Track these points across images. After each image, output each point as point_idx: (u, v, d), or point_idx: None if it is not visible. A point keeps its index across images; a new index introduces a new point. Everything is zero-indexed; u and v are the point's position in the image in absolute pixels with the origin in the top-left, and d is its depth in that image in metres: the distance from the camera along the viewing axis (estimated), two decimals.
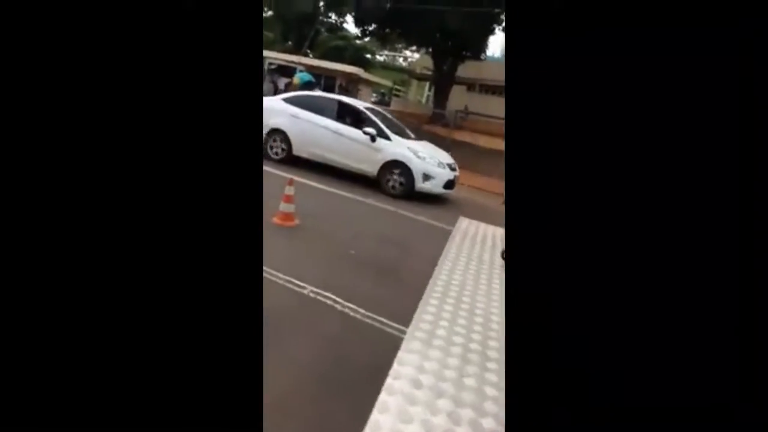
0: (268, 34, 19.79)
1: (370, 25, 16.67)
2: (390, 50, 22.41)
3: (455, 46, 15.69)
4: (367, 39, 19.10)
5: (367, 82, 16.20)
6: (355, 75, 14.67)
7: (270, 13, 20.34)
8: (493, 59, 20.14)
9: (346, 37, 21.82)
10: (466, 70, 17.38)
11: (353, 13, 17.19)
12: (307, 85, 11.13)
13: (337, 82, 14.25)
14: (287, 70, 13.14)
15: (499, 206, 6.29)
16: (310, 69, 12.95)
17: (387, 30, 16.41)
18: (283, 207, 3.95)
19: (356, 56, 20.43)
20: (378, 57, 23.28)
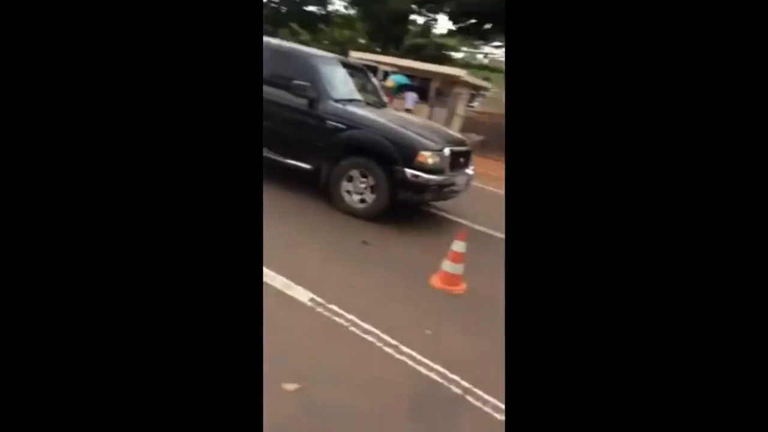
0: (348, 33, 17.71)
1: (466, 21, 15.67)
2: (469, 47, 19.12)
3: None
4: (456, 36, 17.23)
5: (469, 85, 12.92)
6: (456, 77, 11.88)
7: (353, 11, 18.52)
8: None
9: (426, 33, 18.66)
10: None
11: (447, 9, 15.95)
12: (402, 88, 10.14)
13: (433, 85, 11.87)
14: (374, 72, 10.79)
15: None
16: (405, 71, 11.34)
17: (487, 26, 15.40)
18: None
19: (436, 54, 17.24)
20: (457, 54, 19.33)
